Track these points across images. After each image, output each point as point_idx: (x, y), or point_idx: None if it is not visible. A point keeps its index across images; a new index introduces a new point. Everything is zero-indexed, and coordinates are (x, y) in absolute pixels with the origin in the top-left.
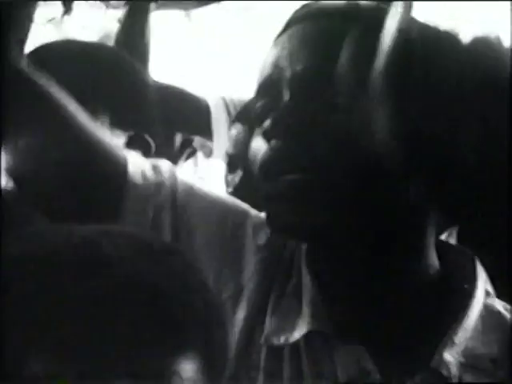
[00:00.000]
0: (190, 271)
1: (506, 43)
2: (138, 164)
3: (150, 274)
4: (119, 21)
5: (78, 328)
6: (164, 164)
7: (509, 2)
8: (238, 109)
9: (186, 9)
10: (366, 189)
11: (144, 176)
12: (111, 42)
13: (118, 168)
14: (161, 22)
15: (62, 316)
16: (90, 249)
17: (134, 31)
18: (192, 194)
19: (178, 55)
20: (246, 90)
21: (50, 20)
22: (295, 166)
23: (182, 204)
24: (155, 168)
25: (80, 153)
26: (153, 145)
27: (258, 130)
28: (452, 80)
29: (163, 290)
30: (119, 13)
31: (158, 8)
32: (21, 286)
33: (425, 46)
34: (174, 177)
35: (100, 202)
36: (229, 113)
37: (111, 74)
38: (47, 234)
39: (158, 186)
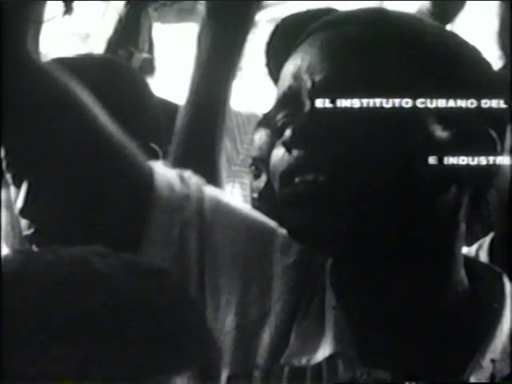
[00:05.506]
0: (181, 290)
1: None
2: (164, 174)
3: (141, 290)
4: (119, 20)
5: (69, 345)
6: (191, 175)
7: None
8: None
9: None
10: (392, 197)
11: (171, 187)
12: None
13: (144, 178)
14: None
15: (54, 334)
16: (80, 265)
17: (132, 30)
18: (219, 209)
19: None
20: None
21: (50, 19)
22: (315, 170)
23: (208, 220)
24: (182, 179)
25: (101, 158)
26: (160, 153)
27: (278, 141)
28: None
29: (156, 307)
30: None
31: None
32: (11, 303)
33: None
34: (200, 190)
35: (123, 215)
36: None
37: (111, 83)
38: (36, 254)
39: (185, 199)
